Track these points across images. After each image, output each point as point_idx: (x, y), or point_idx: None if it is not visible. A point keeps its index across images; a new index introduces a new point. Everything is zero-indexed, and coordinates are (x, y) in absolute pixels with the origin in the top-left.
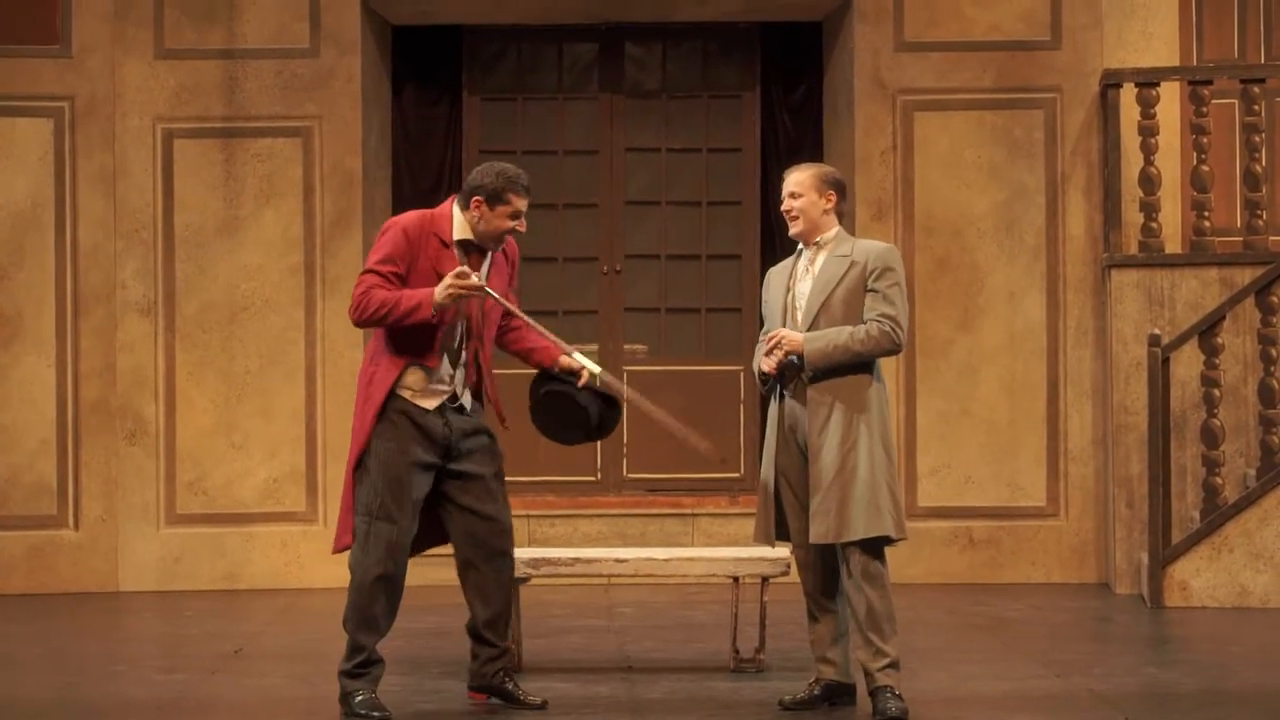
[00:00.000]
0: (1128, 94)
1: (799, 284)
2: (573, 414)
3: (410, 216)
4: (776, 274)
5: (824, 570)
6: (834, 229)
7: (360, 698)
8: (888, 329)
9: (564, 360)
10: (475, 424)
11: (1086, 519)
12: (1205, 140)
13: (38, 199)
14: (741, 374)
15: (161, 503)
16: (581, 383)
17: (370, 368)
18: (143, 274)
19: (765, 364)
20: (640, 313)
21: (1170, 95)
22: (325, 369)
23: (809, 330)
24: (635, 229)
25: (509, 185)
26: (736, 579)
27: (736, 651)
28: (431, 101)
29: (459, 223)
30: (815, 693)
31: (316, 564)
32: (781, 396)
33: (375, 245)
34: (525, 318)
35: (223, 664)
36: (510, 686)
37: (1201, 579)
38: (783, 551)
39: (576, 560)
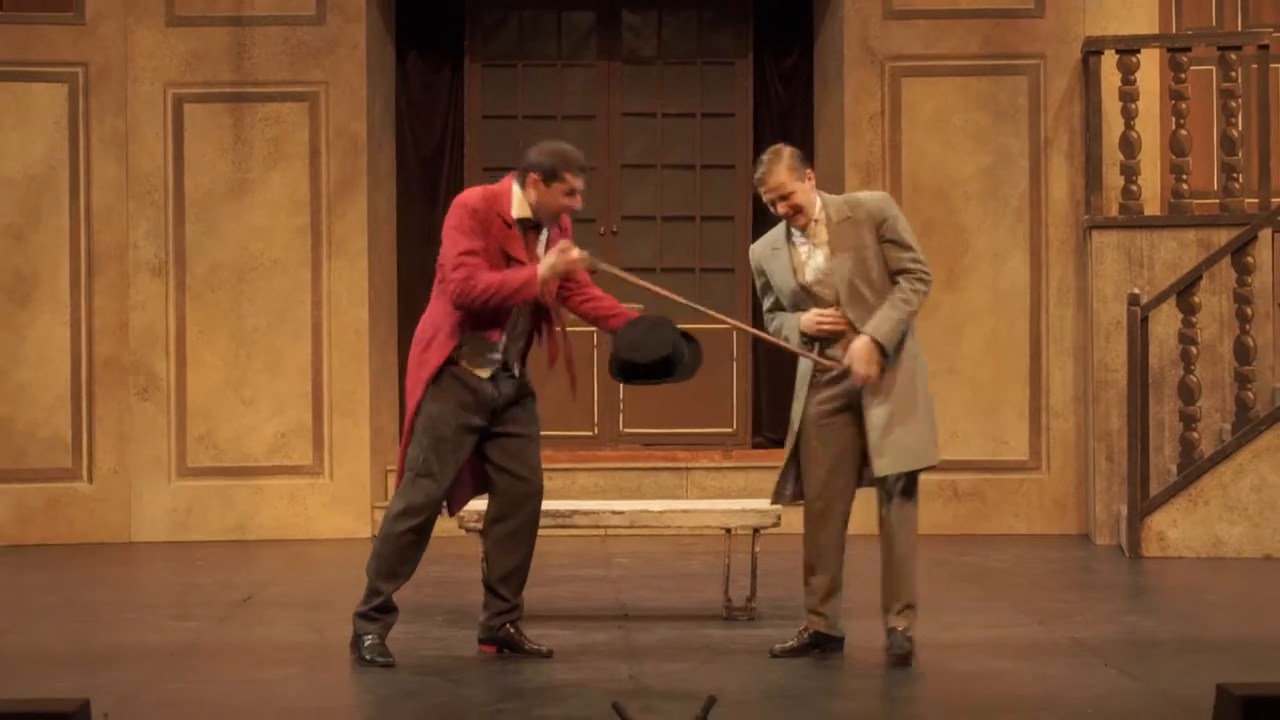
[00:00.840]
0: (1109, 61)
1: (810, 261)
2: (664, 346)
3: (474, 195)
4: (769, 256)
5: (839, 523)
6: (818, 200)
7: (369, 640)
8: (920, 275)
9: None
10: (521, 387)
11: (1068, 472)
12: (1184, 105)
13: (52, 162)
14: (734, 332)
15: (173, 456)
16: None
17: (429, 332)
18: (154, 235)
19: (863, 378)
20: (636, 273)
21: (1150, 62)
22: (331, 327)
23: (849, 299)
24: (631, 191)
25: (565, 164)
26: (729, 530)
27: (729, 600)
28: (434, 68)
29: (518, 200)
30: (804, 641)
31: (323, 516)
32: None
33: (451, 227)
34: (632, 278)
35: (232, 612)
36: (518, 637)
37: (1178, 530)
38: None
39: (575, 512)
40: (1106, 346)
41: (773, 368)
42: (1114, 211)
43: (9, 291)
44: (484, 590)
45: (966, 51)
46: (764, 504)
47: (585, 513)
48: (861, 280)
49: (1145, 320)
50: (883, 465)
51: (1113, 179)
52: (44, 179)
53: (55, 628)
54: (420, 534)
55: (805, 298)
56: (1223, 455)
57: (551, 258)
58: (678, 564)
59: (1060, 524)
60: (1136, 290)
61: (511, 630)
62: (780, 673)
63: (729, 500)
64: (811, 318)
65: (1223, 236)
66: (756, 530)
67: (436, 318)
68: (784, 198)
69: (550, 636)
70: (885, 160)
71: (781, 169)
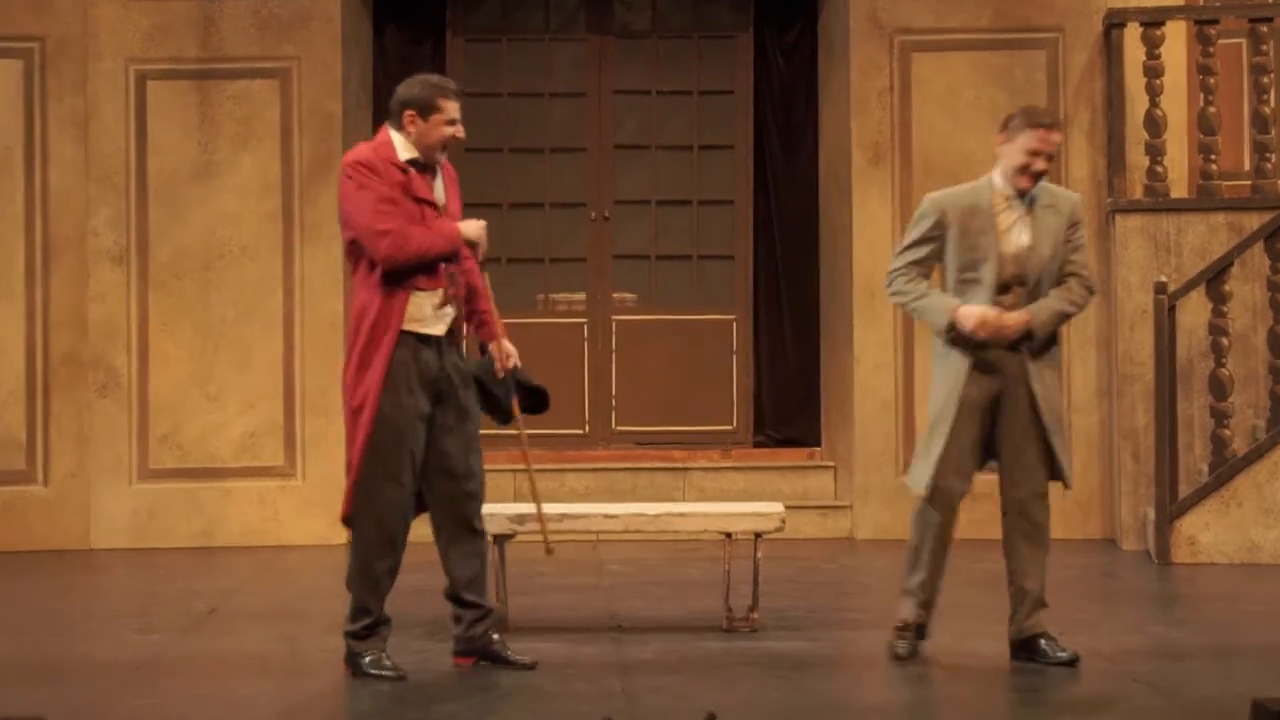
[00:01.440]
0: (1132, 34)
1: (1013, 233)
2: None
3: (360, 149)
4: (967, 211)
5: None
6: None
7: (369, 658)
8: (1090, 284)
9: (494, 346)
10: (464, 369)
11: (1091, 473)
12: (1212, 81)
13: (7, 142)
14: (734, 323)
15: (134, 457)
16: (501, 371)
17: (365, 299)
18: (115, 221)
19: (989, 335)
20: (630, 260)
21: (1176, 35)
22: (304, 318)
23: (1036, 281)
24: (624, 174)
25: (438, 92)
26: (729, 535)
27: (729, 610)
28: (414, 42)
29: (400, 144)
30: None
31: (295, 520)
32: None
33: (354, 189)
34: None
35: (198, 623)
36: (499, 648)
37: (1210, 534)
38: (777, 507)
39: (564, 516)
40: (1131, 338)
41: (775, 360)
42: (1139, 194)
43: None
44: (450, 604)
45: (980, 24)
46: (766, 506)
47: (575, 516)
48: (1047, 273)
49: (1173, 310)
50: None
51: (1137, 159)
52: None
53: (9, 640)
54: (394, 539)
55: (997, 267)
56: (1257, 454)
57: (468, 224)
58: (674, 571)
59: (1083, 528)
60: (1163, 278)
61: (494, 639)
62: (784, 689)
63: (729, 503)
64: (985, 318)
65: (1254, 220)
66: (759, 535)
67: (367, 281)
68: (1051, 156)
69: (538, 649)
70: (894, 140)
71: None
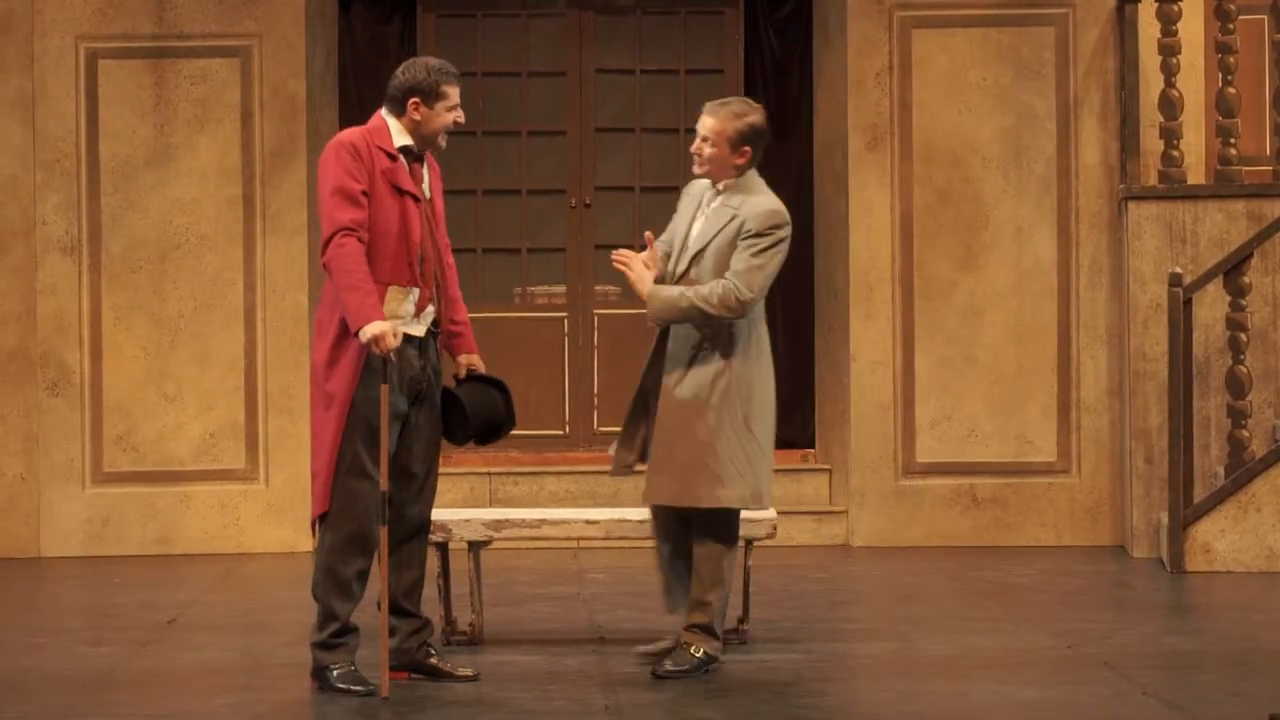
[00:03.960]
0: (1146, 9)
1: (696, 222)
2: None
3: (352, 132)
4: (690, 195)
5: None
6: (740, 176)
7: (338, 671)
8: (732, 288)
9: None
10: (436, 369)
11: (1101, 476)
12: (1231, 60)
13: None
14: None
15: (87, 460)
16: (462, 374)
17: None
18: (65, 209)
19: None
20: (612, 250)
21: (1193, 10)
22: (266, 312)
23: (682, 273)
24: (606, 159)
25: (443, 78)
26: None
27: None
28: (383, 19)
29: (396, 130)
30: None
31: (257, 526)
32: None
33: (327, 173)
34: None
35: (155, 635)
36: (435, 661)
37: (1226, 541)
38: (770, 513)
39: (543, 522)
40: (1144, 333)
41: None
42: (1153, 180)
43: None
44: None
45: None
46: (757, 514)
47: (555, 522)
48: (696, 266)
49: (1188, 303)
50: (648, 490)
51: (1151, 143)
52: None
53: None
54: (365, 541)
55: (677, 250)
56: (1276, 456)
57: (381, 328)
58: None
59: (1092, 534)
60: (1178, 269)
61: (431, 653)
62: (775, 704)
63: None
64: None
65: (1275, 208)
66: (749, 542)
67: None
68: (705, 140)
69: (516, 663)
70: (893, 122)
71: (728, 126)
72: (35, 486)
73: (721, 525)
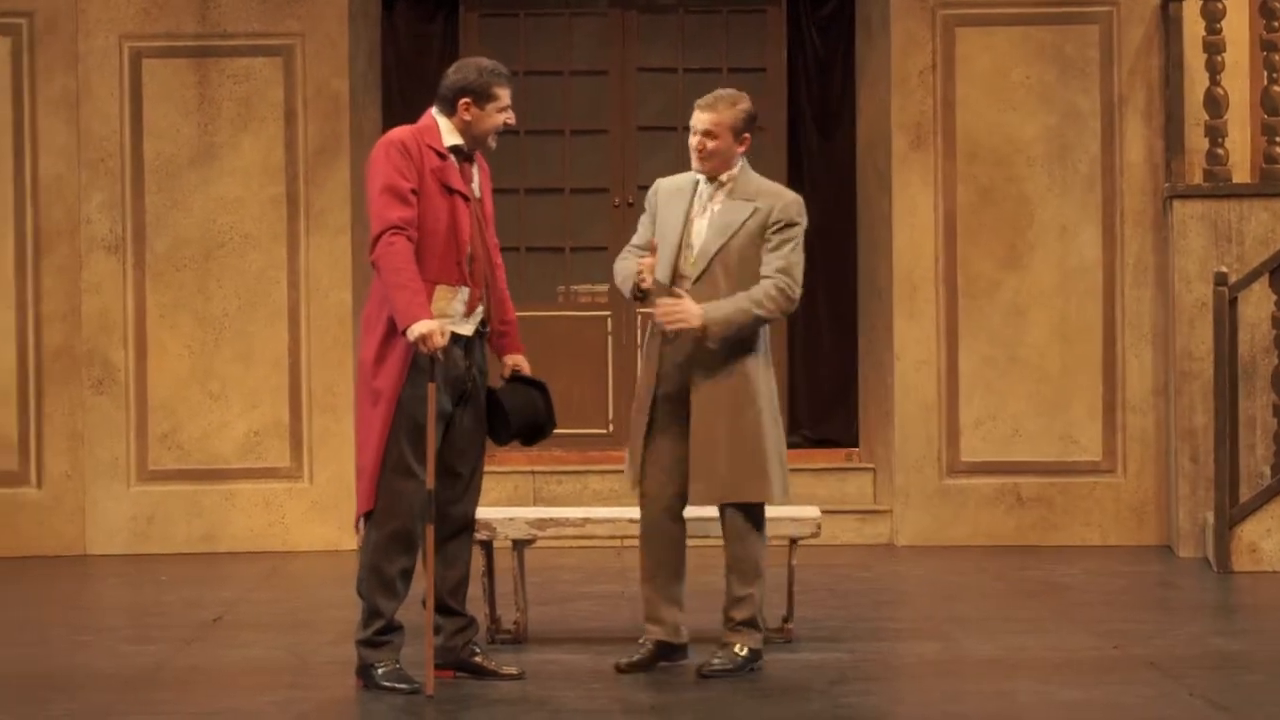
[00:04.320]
0: (1191, 7)
1: (696, 220)
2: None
3: (403, 131)
4: (672, 195)
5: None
6: (738, 166)
7: (383, 669)
8: (784, 286)
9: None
10: (482, 369)
11: (1146, 476)
12: (1276, 58)
13: None
14: None
15: (132, 458)
16: (507, 374)
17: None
18: (109, 207)
19: (665, 325)
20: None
21: (1238, 8)
22: (310, 311)
23: (700, 275)
24: (649, 157)
25: (495, 79)
26: None
27: (763, 621)
28: (426, 18)
29: (446, 129)
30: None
31: (302, 524)
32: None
33: (377, 170)
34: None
35: (200, 633)
36: (480, 659)
37: (1272, 541)
38: (814, 511)
39: (586, 520)
40: (1190, 332)
41: (810, 356)
42: (1198, 179)
43: None
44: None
45: None
46: (801, 511)
47: (599, 521)
48: (721, 264)
49: (1234, 302)
50: (696, 491)
51: (1196, 142)
52: None
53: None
54: (409, 540)
55: (679, 254)
56: None
57: (428, 327)
58: (704, 579)
59: (1138, 534)
60: (1224, 268)
61: (476, 652)
62: (820, 703)
63: None
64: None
65: None
66: (794, 541)
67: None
68: (709, 135)
69: (559, 661)
70: (936, 121)
71: (727, 115)
72: (80, 484)
73: (756, 519)
